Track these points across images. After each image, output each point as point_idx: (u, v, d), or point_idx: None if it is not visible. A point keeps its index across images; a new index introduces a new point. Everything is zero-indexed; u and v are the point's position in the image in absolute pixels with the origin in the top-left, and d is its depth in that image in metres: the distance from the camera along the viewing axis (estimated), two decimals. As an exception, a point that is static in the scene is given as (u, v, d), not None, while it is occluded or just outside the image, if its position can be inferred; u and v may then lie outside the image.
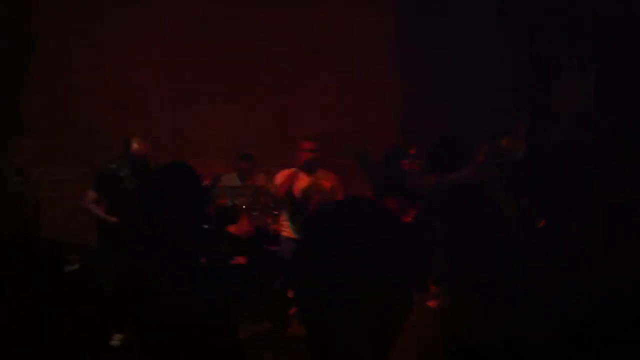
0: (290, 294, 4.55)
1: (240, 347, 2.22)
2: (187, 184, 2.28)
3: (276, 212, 5.22)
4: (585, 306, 2.96)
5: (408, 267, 1.02)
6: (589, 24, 5.85)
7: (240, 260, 4.84)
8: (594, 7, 5.76)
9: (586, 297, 3.12)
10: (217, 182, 5.21)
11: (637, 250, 3.46)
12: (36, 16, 6.02)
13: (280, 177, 4.99)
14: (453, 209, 3.75)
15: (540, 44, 6.32)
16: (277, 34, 6.60)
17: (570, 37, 6.12)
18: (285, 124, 6.61)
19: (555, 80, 6.42)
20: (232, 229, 5.31)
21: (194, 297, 2.05)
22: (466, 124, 6.53)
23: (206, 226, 4.93)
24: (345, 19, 6.78)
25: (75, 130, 6.04)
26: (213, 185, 5.32)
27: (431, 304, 5.33)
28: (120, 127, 5.50)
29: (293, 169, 4.93)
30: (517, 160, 4.60)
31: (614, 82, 5.91)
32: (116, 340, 4.39)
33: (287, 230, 5.14)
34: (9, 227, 5.43)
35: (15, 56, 5.89)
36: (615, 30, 5.64)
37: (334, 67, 6.80)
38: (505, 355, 2.77)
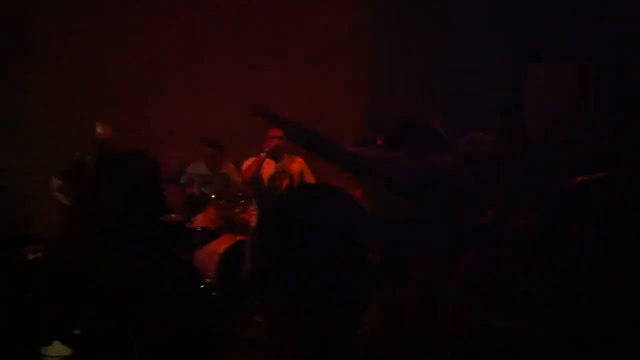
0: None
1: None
2: (143, 169, 2.27)
3: (244, 202, 5.25)
4: (585, 306, 2.99)
5: (365, 252, 1.04)
6: (588, 24, 5.93)
7: (215, 247, 4.86)
8: (589, 7, 5.83)
9: (586, 298, 3.15)
10: (183, 168, 5.20)
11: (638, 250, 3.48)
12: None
13: (247, 162, 4.98)
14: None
15: (518, 40, 6.41)
16: (245, 24, 6.60)
17: (566, 36, 6.20)
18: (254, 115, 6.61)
19: (540, 81, 6.50)
20: (198, 220, 5.33)
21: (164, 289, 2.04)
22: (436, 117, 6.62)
23: (173, 215, 4.96)
24: (315, 9, 6.78)
25: (46, 120, 5.99)
26: (180, 172, 5.32)
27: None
28: (90, 117, 5.47)
29: (260, 156, 4.92)
30: (490, 156, 4.70)
31: (613, 82, 5.96)
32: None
33: (255, 219, 5.15)
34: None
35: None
36: (611, 30, 5.71)
37: (303, 57, 6.81)
38: (506, 356, 2.81)
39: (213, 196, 5.40)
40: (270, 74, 6.71)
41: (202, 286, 4.73)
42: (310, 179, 5.05)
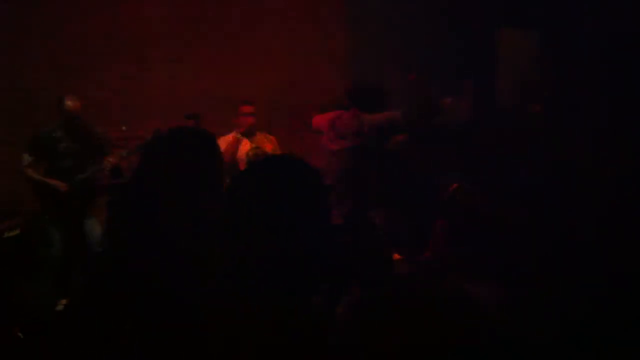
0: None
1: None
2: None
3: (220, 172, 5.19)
4: (584, 305, 3.00)
5: (327, 222, 1.07)
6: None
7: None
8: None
9: (584, 294, 3.16)
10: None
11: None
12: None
13: (223, 143, 4.94)
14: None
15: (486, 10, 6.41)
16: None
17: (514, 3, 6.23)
18: (229, 84, 6.52)
19: (501, 47, 6.53)
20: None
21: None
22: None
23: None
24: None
25: (13, 91, 5.81)
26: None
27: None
28: (59, 88, 5.32)
29: (234, 134, 4.90)
30: (460, 120, 4.76)
31: (558, 48, 6.03)
32: (61, 305, 4.35)
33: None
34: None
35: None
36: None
37: (279, 26, 6.70)
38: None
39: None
40: (245, 42, 6.59)
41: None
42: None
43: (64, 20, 6.00)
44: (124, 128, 5.12)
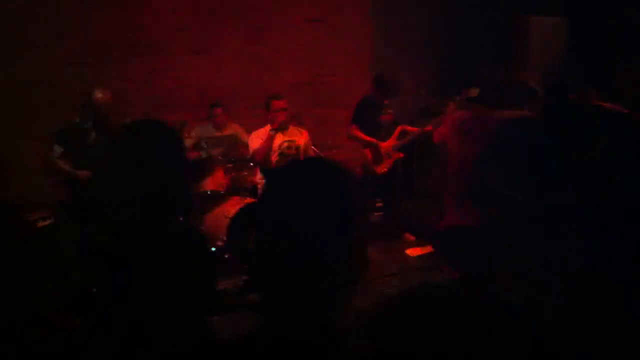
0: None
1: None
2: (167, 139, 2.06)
3: (252, 164, 5.11)
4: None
5: (354, 222, 1.09)
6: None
7: (229, 209, 4.72)
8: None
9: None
10: (183, 127, 5.00)
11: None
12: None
13: (255, 139, 4.87)
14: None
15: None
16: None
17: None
18: (254, 75, 6.44)
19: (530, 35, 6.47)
20: (207, 183, 5.19)
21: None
22: (442, 74, 6.56)
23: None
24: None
25: (36, 86, 5.74)
26: (180, 131, 5.10)
27: (409, 252, 5.39)
28: (82, 81, 5.25)
29: (267, 130, 4.83)
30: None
31: (586, 36, 5.98)
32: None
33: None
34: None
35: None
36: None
37: (305, 16, 6.63)
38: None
39: (220, 158, 5.25)
40: (273, 34, 6.51)
41: (212, 250, 4.64)
42: (311, 151, 5.09)
43: (86, 13, 5.94)
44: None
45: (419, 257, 5.24)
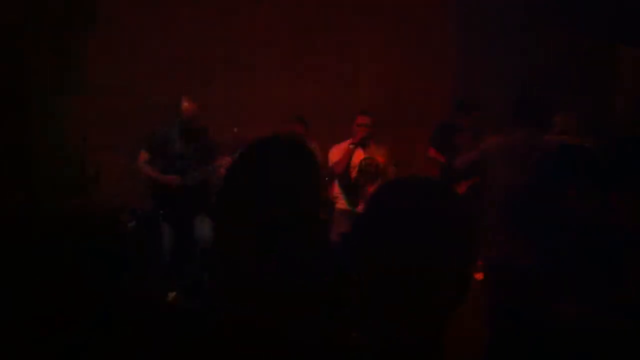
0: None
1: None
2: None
3: (328, 179, 5.20)
4: None
5: (467, 246, 1.04)
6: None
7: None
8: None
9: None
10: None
11: None
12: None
13: (336, 152, 4.97)
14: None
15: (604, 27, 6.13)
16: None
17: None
18: (337, 91, 6.54)
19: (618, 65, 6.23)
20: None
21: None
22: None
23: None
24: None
25: (128, 96, 6.05)
26: None
27: (477, 276, 5.27)
28: (176, 93, 5.52)
29: (347, 144, 4.90)
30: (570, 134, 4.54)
31: None
32: (170, 297, 4.50)
33: (341, 202, 5.12)
34: (71, 192, 5.48)
35: (76, 19, 5.90)
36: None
37: (388, 32, 6.68)
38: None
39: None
40: (357, 51, 6.60)
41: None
42: (390, 168, 5.08)
43: (178, 28, 6.23)
44: (235, 130, 5.22)
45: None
